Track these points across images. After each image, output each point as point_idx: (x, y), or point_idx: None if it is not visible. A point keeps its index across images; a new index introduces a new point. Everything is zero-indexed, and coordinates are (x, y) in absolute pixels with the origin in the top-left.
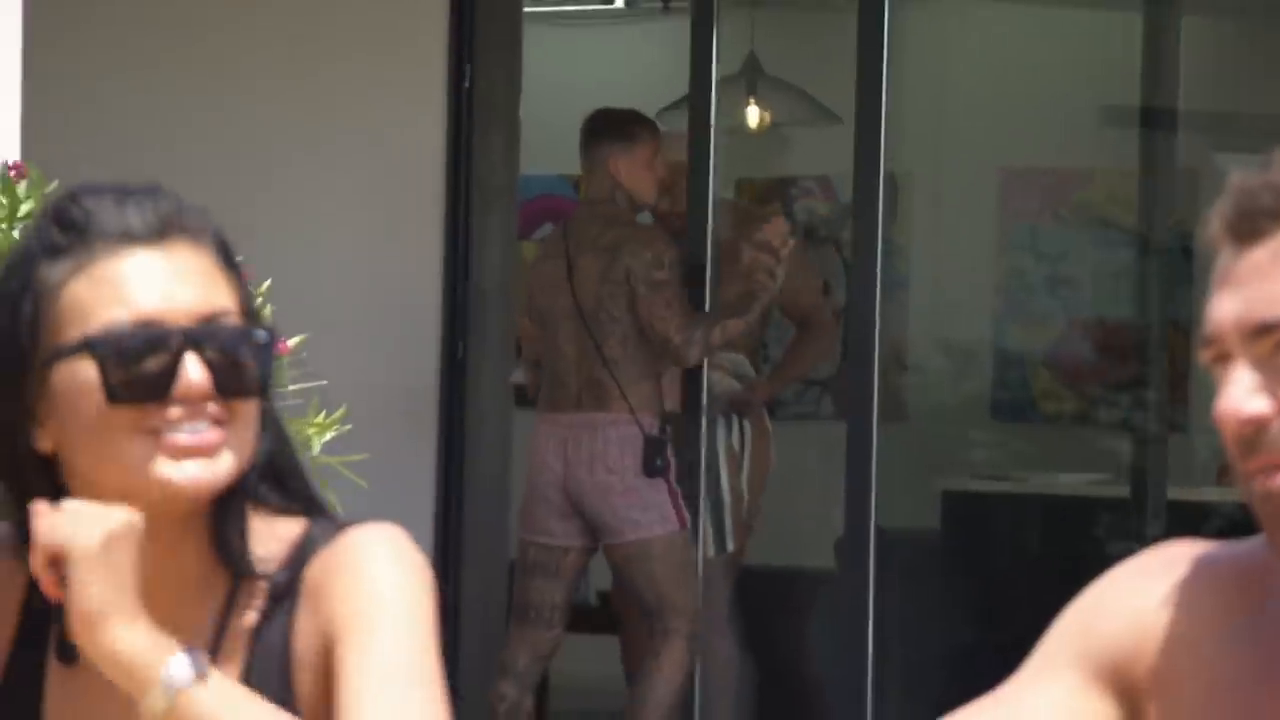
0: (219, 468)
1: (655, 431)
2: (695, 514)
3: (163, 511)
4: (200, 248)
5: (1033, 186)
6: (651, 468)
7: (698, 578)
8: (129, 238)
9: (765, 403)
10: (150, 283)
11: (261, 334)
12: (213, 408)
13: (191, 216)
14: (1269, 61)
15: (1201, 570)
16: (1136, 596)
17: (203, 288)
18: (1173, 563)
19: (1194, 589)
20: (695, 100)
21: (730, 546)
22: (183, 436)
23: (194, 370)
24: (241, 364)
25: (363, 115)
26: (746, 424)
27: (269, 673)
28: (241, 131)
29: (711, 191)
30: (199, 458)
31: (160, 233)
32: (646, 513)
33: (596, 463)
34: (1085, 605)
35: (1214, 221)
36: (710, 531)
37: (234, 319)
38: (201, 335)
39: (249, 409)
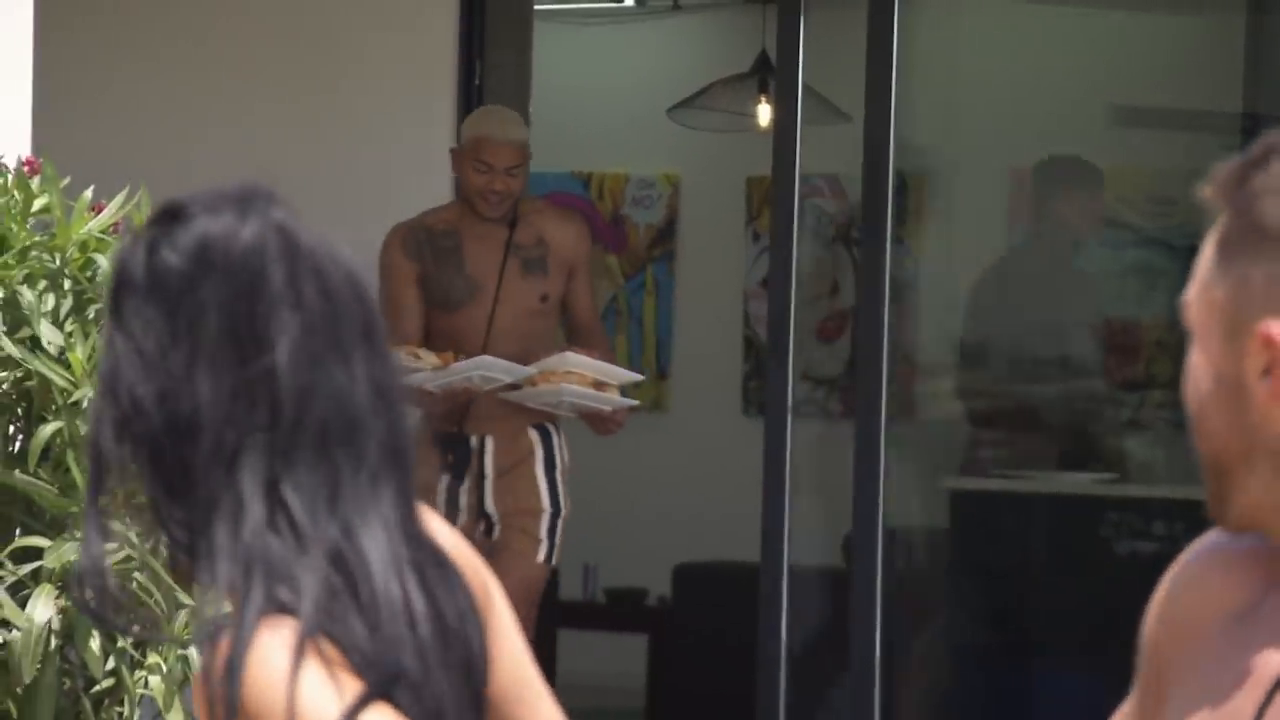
0: None
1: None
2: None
3: None
4: None
5: None
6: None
7: None
8: None
9: (620, 424)
10: None
11: None
12: None
13: None
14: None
15: (1217, 554)
16: (1163, 587)
17: None
18: (1198, 549)
19: (1205, 571)
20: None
21: (555, 559)
22: None
23: None
24: None
25: (373, 112)
26: (564, 437)
27: None
28: (250, 125)
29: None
30: None
31: None
32: None
33: None
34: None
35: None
36: (546, 546)
37: None
38: None
39: None
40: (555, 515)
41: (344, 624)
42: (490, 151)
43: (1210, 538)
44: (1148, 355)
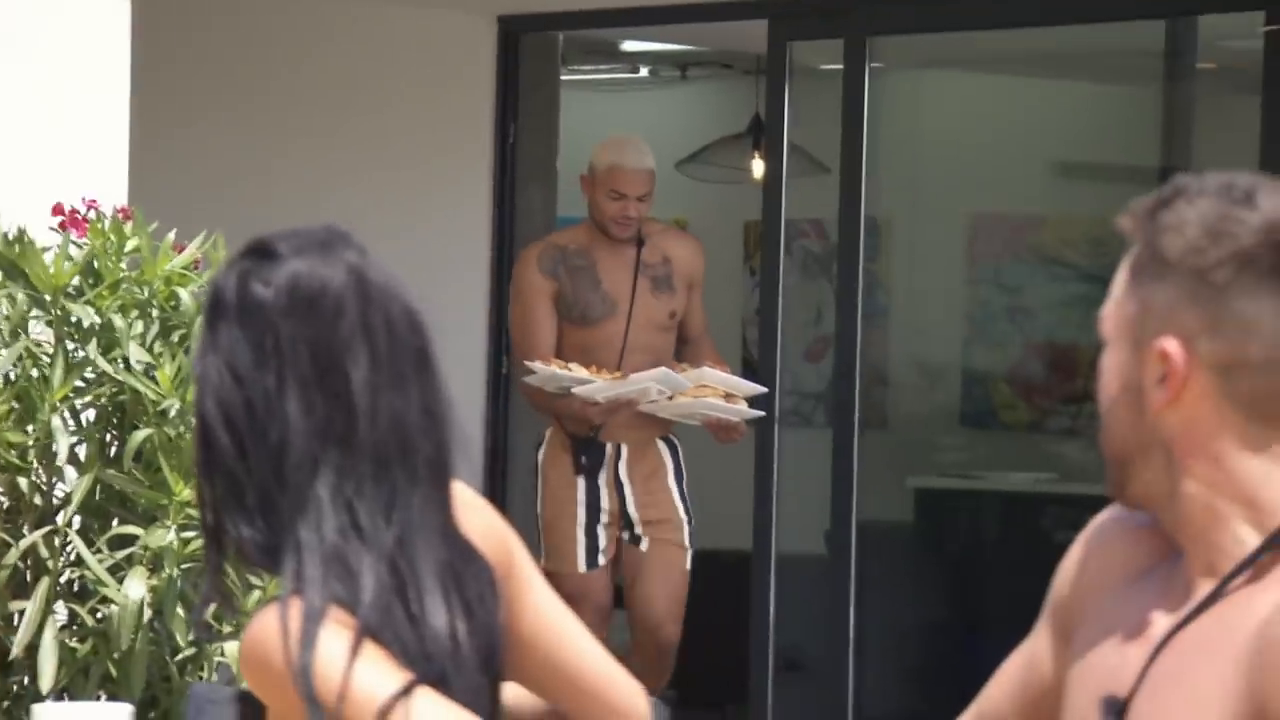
0: None
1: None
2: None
3: None
4: None
5: (996, 229)
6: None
7: None
8: None
9: (742, 433)
10: None
11: None
12: None
13: None
14: (1183, 122)
15: (1121, 525)
16: (1076, 548)
17: None
18: (1106, 519)
19: (1113, 538)
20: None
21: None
22: None
23: None
24: None
25: (421, 167)
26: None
27: None
28: (313, 177)
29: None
30: None
31: None
32: None
33: None
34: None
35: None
36: (690, 553)
37: None
38: None
39: None
40: (690, 523)
41: (394, 622)
42: (624, 179)
43: (1116, 511)
44: (1083, 373)
